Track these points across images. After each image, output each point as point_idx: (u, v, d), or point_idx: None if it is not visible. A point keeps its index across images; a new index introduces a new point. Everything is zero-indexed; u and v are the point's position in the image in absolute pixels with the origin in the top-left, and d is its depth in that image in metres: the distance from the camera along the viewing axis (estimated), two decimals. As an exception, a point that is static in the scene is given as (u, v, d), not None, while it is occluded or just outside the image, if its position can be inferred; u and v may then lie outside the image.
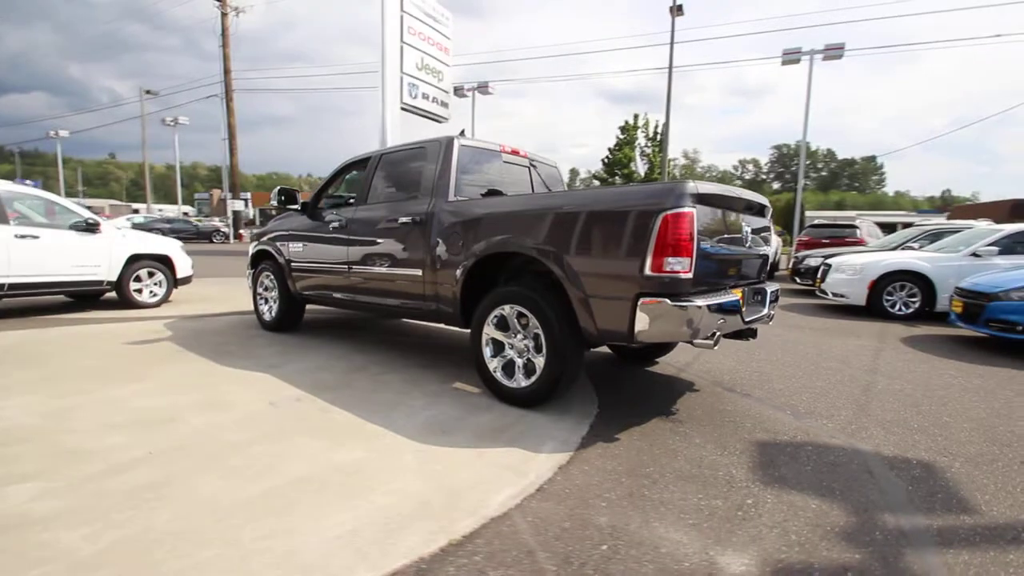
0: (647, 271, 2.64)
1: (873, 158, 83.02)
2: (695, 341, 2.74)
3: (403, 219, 3.93)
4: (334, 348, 4.73)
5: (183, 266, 7.28)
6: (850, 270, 7.59)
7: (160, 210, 31.59)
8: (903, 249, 8.96)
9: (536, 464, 2.48)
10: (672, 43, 18.46)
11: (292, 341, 4.99)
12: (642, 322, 2.68)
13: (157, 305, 6.92)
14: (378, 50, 16.97)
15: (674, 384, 3.92)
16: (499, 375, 3.36)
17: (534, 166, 4.63)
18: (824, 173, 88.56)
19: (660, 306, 2.63)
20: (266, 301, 5.61)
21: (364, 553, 1.74)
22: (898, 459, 2.67)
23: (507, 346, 3.36)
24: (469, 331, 3.54)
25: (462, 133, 4.12)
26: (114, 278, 6.52)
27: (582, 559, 1.76)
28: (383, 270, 4.14)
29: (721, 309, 2.78)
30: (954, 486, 2.39)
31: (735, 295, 3.02)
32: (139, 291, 6.84)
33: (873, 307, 7.36)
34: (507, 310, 3.28)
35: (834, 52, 15.94)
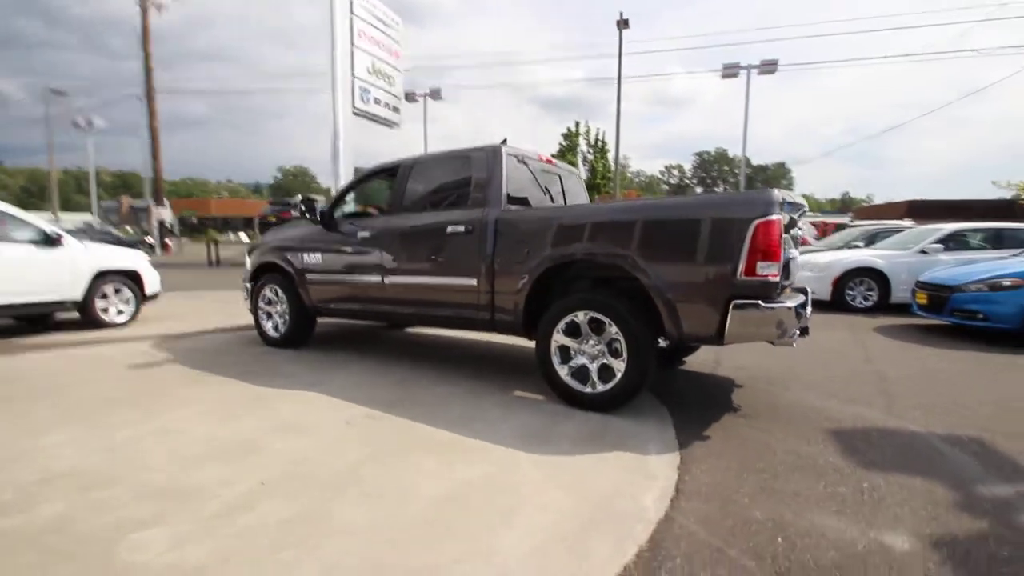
0: (740, 276, 2.79)
1: (783, 164, 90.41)
2: (778, 341, 2.92)
3: (452, 228, 3.86)
4: (362, 362, 4.55)
5: (152, 281, 6.69)
6: (816, 268, 8.27)
7: (88, 222, 28.30)
8: (850, 248, 9.87)
9: (655, 466, 2.54)
10: (620, 55, 19.26)
11: (310, 356, 4.74)
12: (733, 324, 2.83)
13: (125, 324, 6.30)
14: (326, 53, 16.56)
15: (718, 382, 4.13)
16: (571, 381, 3.40)
17: (562, 175, 4.70)
18: (741, 178, 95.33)
19: (752, 309, 2.79)
20: (269, 316, 5.28)
21: (574, 567, 1.73)
22: (951, 437, 2.99)
23: (576, 352, 3.41)
24: (523, 338, 3.55)
25: (504, 142, 4.12)
26: (79, 296, 5.88)
27: (771, 553, 1.84)
28: (428, 280, 4.05)
29: (798, 310, 2.98)
30: (1012, 457, 2.71)
31: (802, 296, 3.24)
32: (105, 310, 6.20)
33: (836, 301, 8.06)
34: (580, 316, 3.32)
35: (768, 67, 17.39)
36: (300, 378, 3.99)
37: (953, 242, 7.80)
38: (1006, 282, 5.44)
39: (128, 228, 32.82)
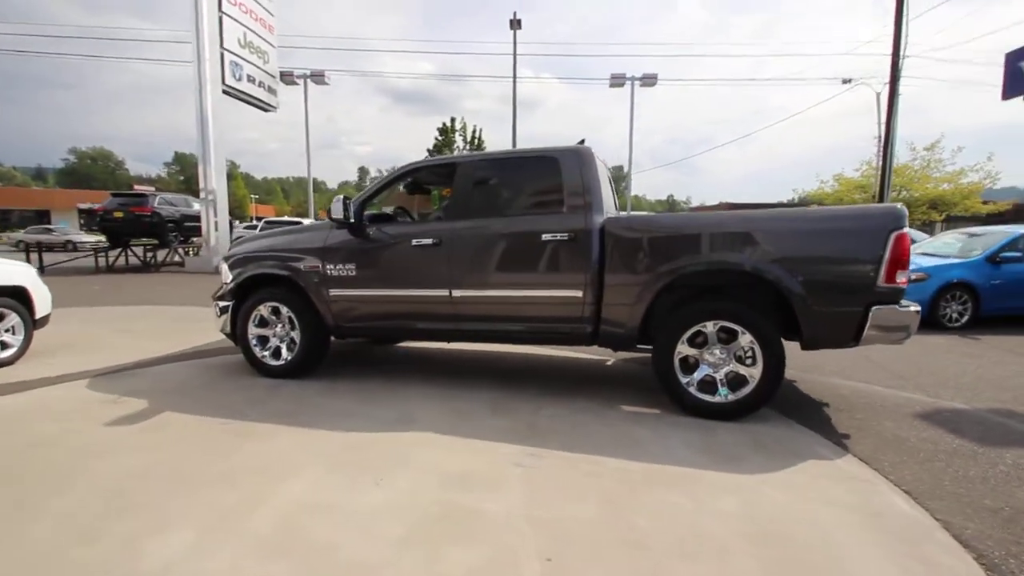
0: (880, 283, 3.04)
1: (622, 167, 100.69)
2: (901, 341, 3.22)
3: (549, 236, 3.55)
4: (410, 387, 3.95)
5: (42, 301, 5.01)
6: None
7: None
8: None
9: (852, 469, 2.65)
10: (515, 55, 19.55)
11: (336, 386, 3.97)
12: (872, 327, 3.07)
13: (12, 361, 4.63)
14: (188, 20, 13.98)
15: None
16: (695, 391, 3.37)
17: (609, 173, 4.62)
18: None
19: (890, 312, 3.05)
20: (265, 341, 4.30)
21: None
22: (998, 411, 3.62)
23: (701, 362, 3.39)
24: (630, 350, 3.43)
25: (582, 142, 3.91)
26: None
27: (1060, 538, 2.05)
28: (516, 293, 3.67)
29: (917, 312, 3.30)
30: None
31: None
32: (-23, 344, 4.49)
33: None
34: (710, 327, 3.31)
35: (649, 80, 19.21)
36: (369, 417, 3.33)
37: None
38: (912, 276, 6.75)
39: None
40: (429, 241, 3.82)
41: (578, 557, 1.87)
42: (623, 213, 3.75)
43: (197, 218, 15.65)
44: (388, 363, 4.84)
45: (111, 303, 8.52)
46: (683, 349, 3.38)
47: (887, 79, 16.49)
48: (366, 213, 4.13)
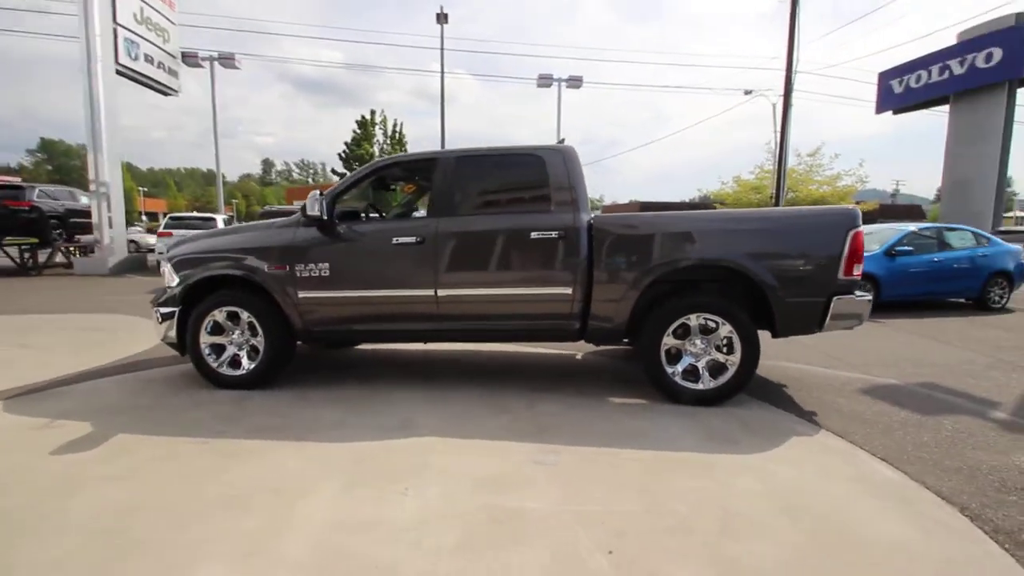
0: (840, 275, 3.39)
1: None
2: (854, 326, 3.61)
3: (538, 233, 3.57)
4: (393, 391, 3.81)
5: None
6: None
7: None
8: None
9: (834, 444, 2.95)
10: (442, 48, 19.24)
11: (318, 397, 3.73)
12: (834, 315, 3.42)
13: None
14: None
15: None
16: (680, 380, 3.56)
17: None
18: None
19: (849, 302, 3.42)
20: (220, 350, 3.92)
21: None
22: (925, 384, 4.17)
23: (685, 352, 3.59)
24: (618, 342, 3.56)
25: (562, 141, 3.96)
26: None
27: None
28: (504, 291, 3.65)
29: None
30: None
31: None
32: None
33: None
34: (693, 319, 3.51)
35: (575, 82, 19.79)
36: (369, 424, 3.17)
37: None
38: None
39: None
40: (411, 239, 3.69)
41: (635, 546, 1.92)
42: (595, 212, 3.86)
43: (84, 213, 13.80)
44: (355, 367, 4.60)
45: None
46: (670, 341, 3.56)
47: (781, 92, 18.43)
48: (337, 210, 3.90)
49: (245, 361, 3.92)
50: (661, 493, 2.32)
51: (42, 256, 13.45)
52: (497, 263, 3.66)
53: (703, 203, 36.94)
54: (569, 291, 3.59)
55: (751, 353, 3.47)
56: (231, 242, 3.96)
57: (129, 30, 13.64)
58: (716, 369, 3.56)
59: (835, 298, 3.41)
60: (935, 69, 20.83)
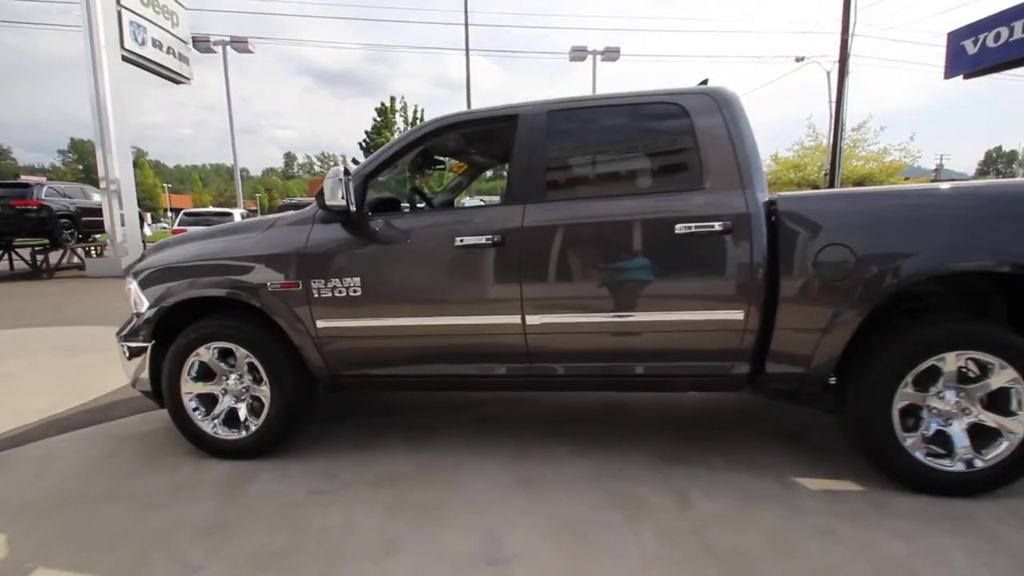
0: None
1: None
2: None
3: (686, 226, 2.25)
4: (461, 461, 2.56)
5: None
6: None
7: None
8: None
9: None
10: (467, 24, 17.83)
11: (348, 472, 2.52)
12: None
13: None
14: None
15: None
16: (922, 456, 2.21)
17: None
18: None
19: None
20: (212, 403, 2.73)
21: None
22: None
23: (922, 411, 2.23)
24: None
25: (705, 82, 2.61)
26: None
27: None
28: (635, 318, 2.34)
29: None
30: None
31: None
32: None
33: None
34: (950, 358, 2.14)
35: (611, 54, 18.09)
36: (433, 544, 1.92)
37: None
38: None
39: None
40: (484, 239, 2.39)
41: None
42: None
43: (98, 212, 12.92)
44: (393, 402, 3.37)
45: (-23, 327, 6.35)
46: (905, 394, 2.20)
47: (836, 58, 16.66)
48: (369, 198, 2.64)
49: (250, 418, 2.72)
50: None
51: (54, 257, 12.67)
52: (616, 274, 2.35)
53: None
54: (738, 315, 2.26)
55: (1046, 409, 2.10)
56: (218, 248, 2.73)
57: (135, 12, 12.60)
58: (980, 437, 2.20)
59: None
60: (1018, 26, 18.53)
